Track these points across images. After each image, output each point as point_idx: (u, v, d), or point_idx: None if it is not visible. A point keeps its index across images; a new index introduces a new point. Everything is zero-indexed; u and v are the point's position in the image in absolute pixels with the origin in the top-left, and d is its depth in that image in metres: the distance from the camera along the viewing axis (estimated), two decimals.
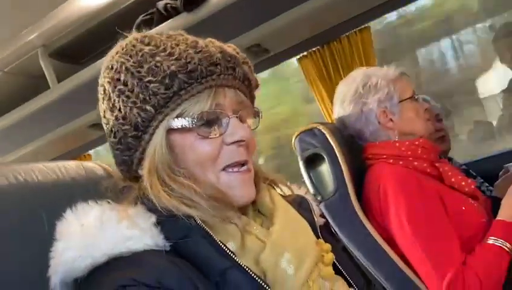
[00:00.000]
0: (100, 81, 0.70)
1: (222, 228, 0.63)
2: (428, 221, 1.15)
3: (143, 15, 1.89)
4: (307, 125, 1.37)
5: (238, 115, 0.69)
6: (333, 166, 1.30)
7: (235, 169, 0.67)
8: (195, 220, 0.60)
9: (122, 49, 0.67)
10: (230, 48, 0.70)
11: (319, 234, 0.75)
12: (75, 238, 0.56)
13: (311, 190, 1.35)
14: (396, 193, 1.18)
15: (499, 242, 1.14)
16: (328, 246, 0.71)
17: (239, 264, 0.59)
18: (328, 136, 1.31)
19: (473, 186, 1.28)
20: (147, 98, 0.63)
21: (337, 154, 1.30)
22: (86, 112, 2.17)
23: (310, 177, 1.36)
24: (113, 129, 0.67)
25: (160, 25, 1.81)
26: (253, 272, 0.59)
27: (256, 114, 0.74)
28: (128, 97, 0.64)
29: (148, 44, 0.66)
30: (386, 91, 1.33)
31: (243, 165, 0.68)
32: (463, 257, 1.12)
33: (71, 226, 0.58)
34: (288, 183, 0.86)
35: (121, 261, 0.55)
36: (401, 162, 1.28)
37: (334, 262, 0.71)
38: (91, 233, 0.56)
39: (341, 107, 1.39)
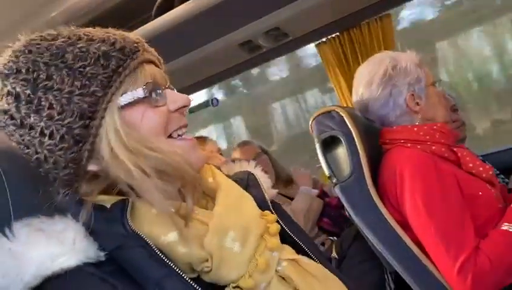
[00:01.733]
0: (4, 89, 0.62)
1: (161, 221, 0.62)
2: (444, 204, 1.15)
3: None
4: (325, 107, 1.37)
5: (168, 86, 0.71)
6: (350, 149, 1.30)
7: (183, 136, 0.69)
8: (131, 227, 0.59)
9: (25, 51, 0.62)
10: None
11: (270, 206, 0.75)
12: (4, 264, 0.55)
13: (327, 173, 1.35)
14: (413, 176, 1.18)
15: None
16: (273, 217, 0.71)
17: (176, 272, 0.58)
18: (346, 119, 1.31)
19: (490, 172, 1.28)
20: (87, 82, 0.61)
21: (355, 138, 1.29)
22: None
23: (326, 159, 1.36)
24: (45, 132, 0.61)
25: (181, 6, 1.81)
26: (190, 278, 0.59)
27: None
28: (59, 90, 0.60)
29: (55, 39, 0.63)
30: (415, 75, 1.33)
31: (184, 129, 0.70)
32: (476, 241, 1.12)
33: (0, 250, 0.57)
34: (237, 160, 0.88)
35: (54, 283, 0.55)
36: (419, 147, 1.27)
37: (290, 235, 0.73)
38: (19, 256, 0.55)
39: (367, 90, 1.36)
